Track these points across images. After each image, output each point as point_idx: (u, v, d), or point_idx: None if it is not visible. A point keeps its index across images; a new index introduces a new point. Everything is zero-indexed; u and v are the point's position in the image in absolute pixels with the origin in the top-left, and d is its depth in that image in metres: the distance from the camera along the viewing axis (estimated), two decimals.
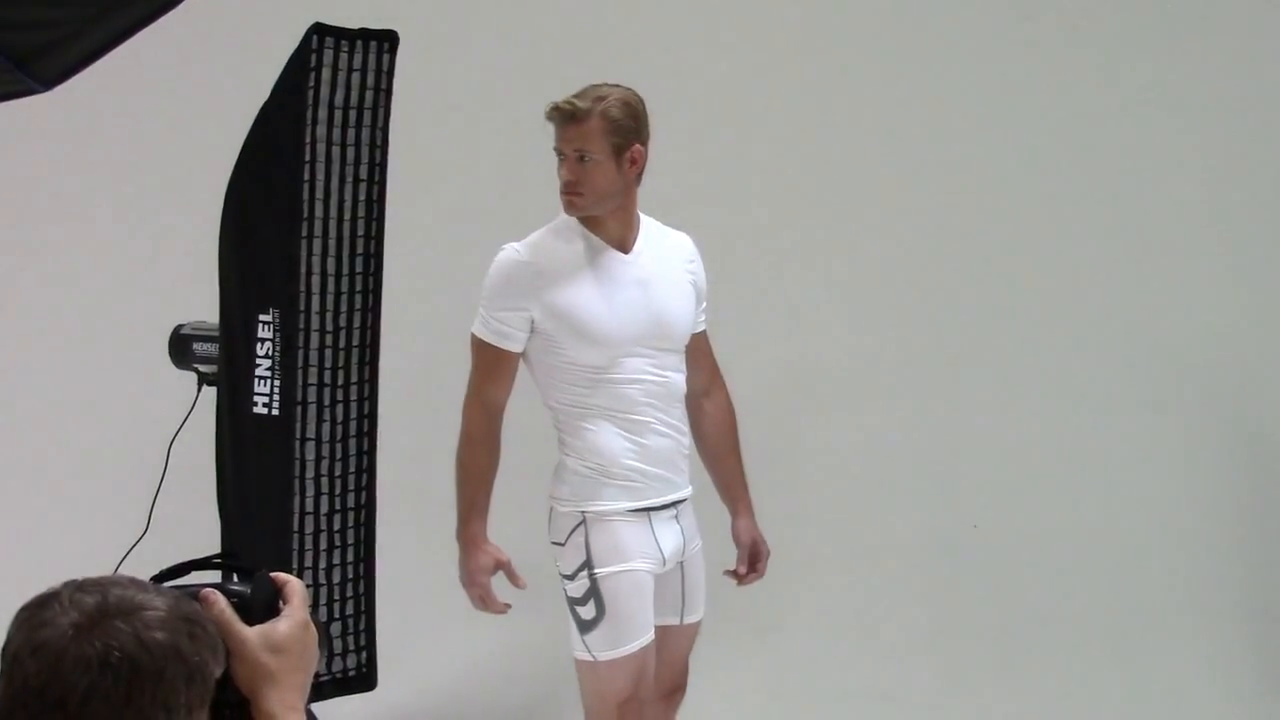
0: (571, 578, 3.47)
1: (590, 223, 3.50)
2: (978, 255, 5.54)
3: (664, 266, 3.56)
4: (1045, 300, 5.48)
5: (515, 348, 3.48)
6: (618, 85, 3.49)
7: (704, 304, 3.69)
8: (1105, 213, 5.48)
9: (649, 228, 3.59)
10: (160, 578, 1.73)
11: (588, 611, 3.43)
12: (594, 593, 3.42)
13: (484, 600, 3.53)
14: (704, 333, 3.72)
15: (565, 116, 3.42)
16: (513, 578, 3.55)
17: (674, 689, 3.74)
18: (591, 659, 3.45)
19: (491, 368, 3.49)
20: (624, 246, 3.52)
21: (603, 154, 3.41)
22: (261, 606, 1.77)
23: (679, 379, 3.57)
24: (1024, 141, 5.53)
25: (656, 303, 3.50)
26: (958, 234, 5.56)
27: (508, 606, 3.56)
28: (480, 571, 3.50)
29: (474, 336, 3.51)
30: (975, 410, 5.46)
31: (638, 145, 3.46)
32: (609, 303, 3.44)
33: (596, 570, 3.43)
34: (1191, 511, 5.27)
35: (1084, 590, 5.24)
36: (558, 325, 3.43)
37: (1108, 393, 5.40)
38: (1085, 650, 5.11)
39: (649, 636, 3.47)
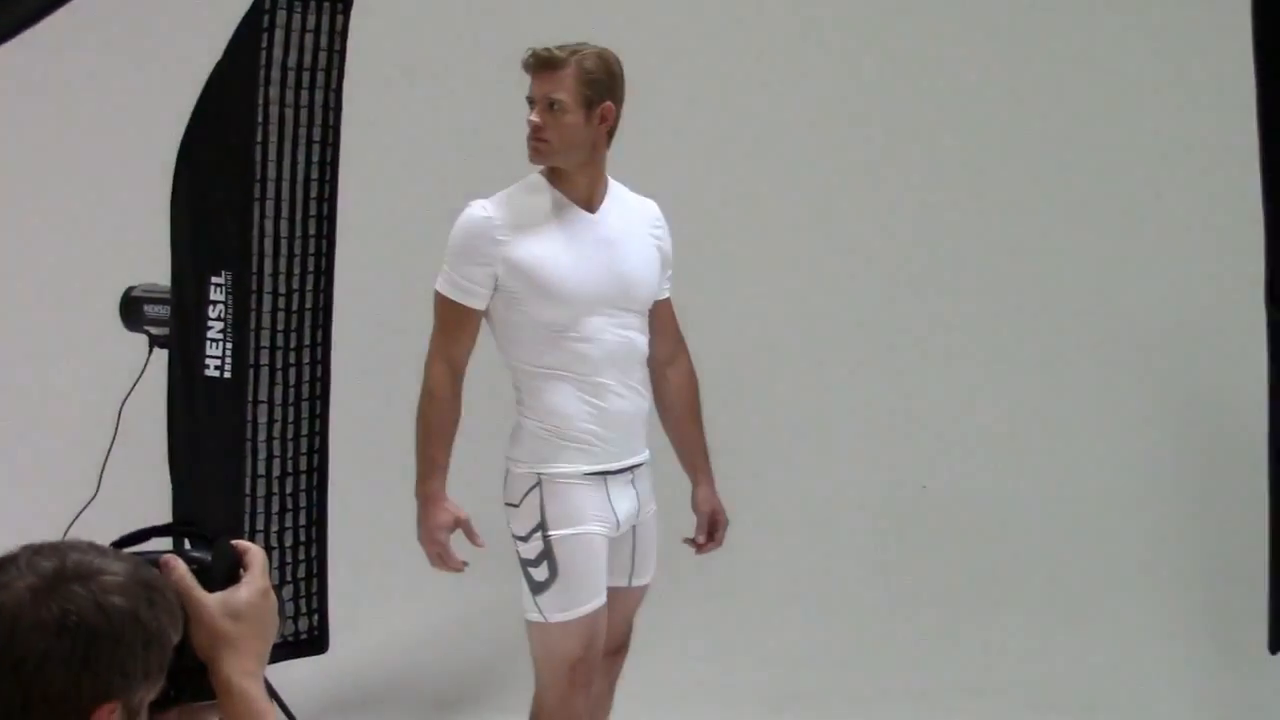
0: (525, 539, 3.44)
1: (558, 180, 3.48)
2: (932, 222, 5.54)
3: (630, 228, 3.55)
4: (996, 265, 5.49)
5: (479, 305, 3.45)
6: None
7: (669, 271, 3.67)
8: (1055, 180, 5.48)
9: (616, 190, 3.57)
10: (121, 543, 1.72)
11: (540, 573, 3.42)
12: (547, 555, 3.40)
13: (441, 558, 3.50)
14: (668, 300, 3.71)
15: (541, 63, 3.41)
16: (471, 536, 3.52)
17: (618, 648, 3.73)
18: (543, 620, 3.43)
19: (454, 325, 3.47)
20: (590, 205, 3.50)
21: (573, 104, 3.39)
22: (222, 574, 1.76)
23: (641, 340, 3.55)
24: (977, 112, 5.52)
25: (620, 262, 3.49)
26: (912, 201, 5.56)
27: (465, 564, 3.53)
28: (439, 528, 3.47)
29: (437, 293, 3.48)
30: (927, 374, 5.48)
31: (609, 103, 3.44)
32: (573, 260, 3.42)
33: (550, 532, 3.41)
34: (1142, 472, 5.30)
35: (1035, 550, 5.27)
36: (521, 281, 3.40)
37: (1058, 354, 5.42)
38: (1037, 610, 5.15)
39: (601, 599, 3.46)
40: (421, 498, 3.50)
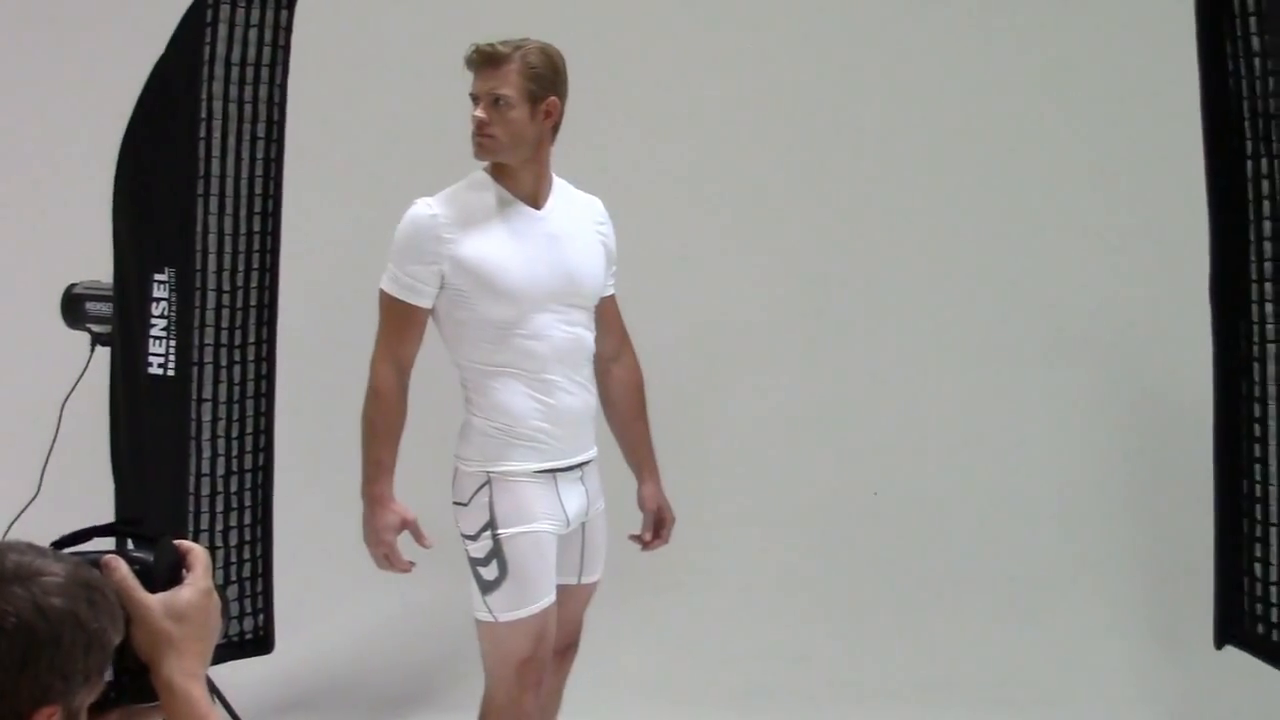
0: (474, 538, 3.43)
1: (502, 176, 3.48)
2: (878, 221, 5.55)
3: (576, 224, 3.55)
4: (945, 267, 5.50)
5: (425, 303, 3.43)
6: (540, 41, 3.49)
7: (614, 267, 3.67)
8: (1001, 181, 5.51)
9: (561, 187, 3.57)
10: (61, 544, 1.70)
11: (490, 572, 3.40)
12: (497, 553, 3.39)
13: (389, 559, 3.48)
14: (613, 297, 3.70)
15: (484, 58, 3.41)
16: (419, 536, 3.50)
17: (567, 647, 3.73)
18: (493, 620, 3.41)
19: (401, 324, 3.45)
20: (536, 201, 3.50)
21: (518, 99, 3.39)
22: (164, 574, 1.74)
23: (588, 337, 3.55)
24: (925, 112, 5.54)
25: (567, 258, 3.48)
26: (859, 200, 5.56)
27: (412, 565, 3.52)
28: (386, 530, 3.45)
29: (382, 292, 3.46)
30: (876, 375, 5.48)
31: (554, 98, 3.44)
32: (519, 256, 3.42)
33: (500, 531, 3.40)
34: (1089, 472, 5.34)
35: (983, 551, 5.29)
36: (467, 279, 3.39)
37: (1006, 356, 5.43)
38: (986, 609, 5.16)
39: (550, 598, 3.45)
40: (368, 499, 3.47)
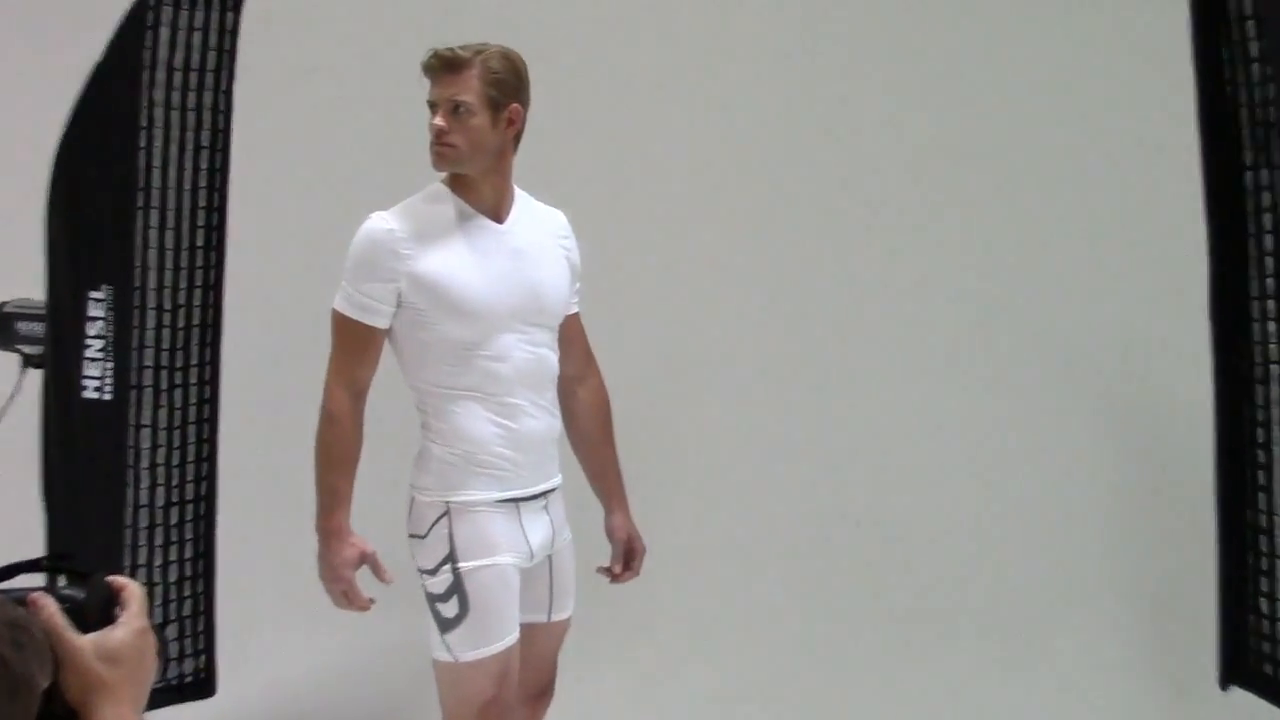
0: (433, 572, 3.42)
1: (462, 189, 3.48)
2: (859, 241, 5.55)
3: (539, 239, 3.56)
4: (925, 290, 5.51)
5: (381, 323, 3.44)
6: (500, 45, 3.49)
7: (578, 284, 3.70)
8: (987, 191, 5.52)
9: (524, 199, 3.59)
10: None
11: (450, 609, 3.40)
12: (457, 588, 3.39)
13: (347, 596, 3.47)
14: (577, 315, 3.73)
15: (443, 63, 3.41)
16: (378, 571, 3.49)
17: (541, 691, 3.73)
18: (452, 660, 3.41)
19: (356, 346, 3.45)
20: (498, 215, 3.51)
21: (479, 106, 3.40)
22: (96, 612, 1.72)
23: (552, 358, 3.56)
24: (906, 118, 5.55)
25: (531, 275, 3.50)
26: (839, 218, 5.56)
27: (372, 602, 3.51)
28: (344, 565, 3.44)
29: (335, 312, 3.47)
30: (854, 400, 5.49)
31: (516, 105, 3.46)
32: (481, 273, 3.42)
33: (461, 564, 3.40)
34: (1085, 502, 5.34)
35: (972, 585, 5.29)
36: (426, 297, 3.39)
37: (996, 379, 5.44)
38: (975, 647, 5.17)
39: (514, 636, 3.44)
40: (323, 532, 3.46)
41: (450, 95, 3.41)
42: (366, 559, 3.47)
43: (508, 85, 3.43)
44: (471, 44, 3.44)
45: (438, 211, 3.46)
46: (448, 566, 3.40)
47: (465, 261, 3.42)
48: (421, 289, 3.39)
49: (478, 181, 3.48)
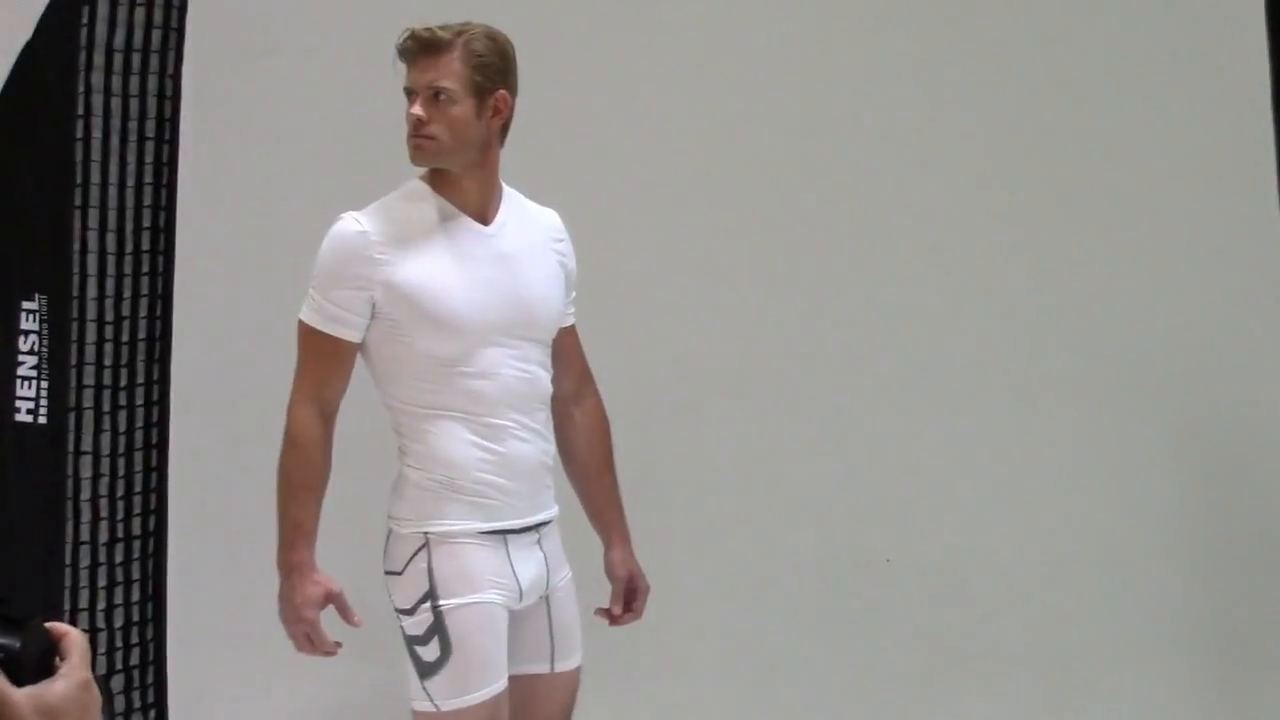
0: (410, 612, 3.40)
1: (444, 186, 3.47)
2: (885, 236, 5.52)
3: (530, 242, 3.55)
4: (963, 302, 5.49)
5: (353, 336, 3.43)
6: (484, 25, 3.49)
7: (573, 293, 3.69)
8: (1030, 188, 5.49)
9: (513, 198, 3.59)
10: None
11: (430, 652, 3.38)
12: (438, 629, 3.37)
13: (310, 639, 3.44)
14: (573, 327, 3.72)
15: (422, 45, 3.40)
16: (345, 613, 3.48)
17: None
18: (434, 709, 3.38)
19: (324, 360, 3.44)
20: (484, 216, 3.50)
21: (462, 93, 3.39)
22: (33, 663, 1.68)
23: (545, 376, 3.55)
24: (942, 128, 5.52)
25: (521, 284, 3.48)
26: (867, 223, 5.53)
27: (338, 646, 3.48)
28: (307, 605, 3.41)
29: (302, 324, 3.45)
30: (884, 423, 5.46)
31: (503, 91, 3.44)
32: (465, 281, 3.41)
33: (441, 602, 3.38)
34: (1134, 533, 5.33)
35: (1017, 629, 5.30)
36: (403, 308, 3.38)
37: (1039, 396, 5.43)
38: (1021, 698, 5.18)
39: (502, 683, 3.42)
40: (285, 568, 3.44)
41: (429, 81, 3.40)
42: (332, 598, 3.45)
43: (494, 69, 3.42)
44: (452, 24, 3.43)
45: (417, 211, 3.45)
46: (427, 605, 3.38)
47: (447, 268, 3.41)
48: (398, 298, 3.38)
49: (461, 178, 3.47)
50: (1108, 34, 5.47)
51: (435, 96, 3.39)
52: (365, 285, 3.38)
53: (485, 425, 3.43)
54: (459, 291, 3.40)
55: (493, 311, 3.42)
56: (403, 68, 3.45)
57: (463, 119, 3.40)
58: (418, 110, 3.40)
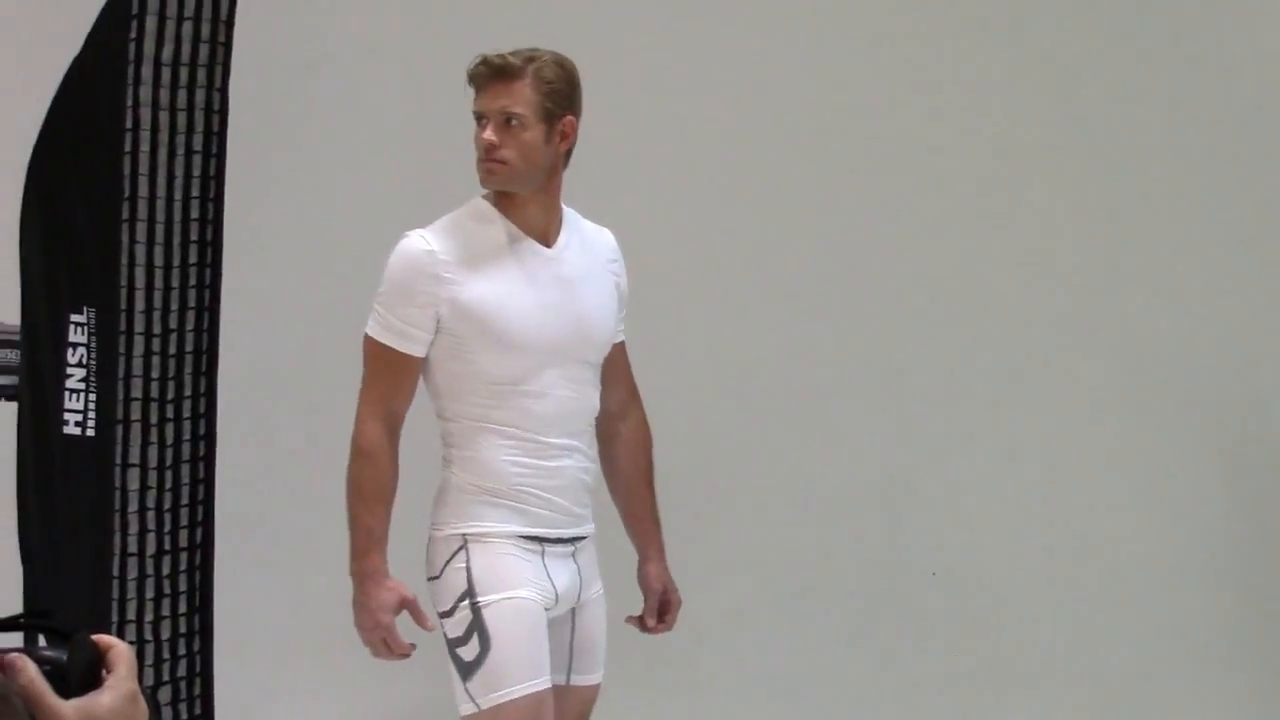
0: (450, 613, 3.46)
1: (509, 208, 3.54)
2: (935, 261, 5.51)
3: (588, 266, 3.63)
4: (1008, 313, 5.47)
5: (419, 351, 3.49)
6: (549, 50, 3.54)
7: (623, 311, 3.73)
8: (1084, 196, 5.48)
9: (572, 219, 3.64)
10: None
11: (469, 651, 3.42)
12: (476, 625, 3.42)
13: (387, 644, 3.49)
14: (623, 344, 3.76)
15: (494, 72, 3.46)
16: (419, 617, 3.52)
17: None
18: (476, 709, 3.41)
19: (390, 374, 3.49)
20: (546, 239, 3.56)
21: (532, 119, 3.46)
22: (80, 675, 1.69)
23: (594, 396, 3.62)
24: (982, 137, 5.51)
25: (581, 308, 3.57)
26: (912, 236, 5.52)
27: (413, 648, 3.53)
28: (382, 610, 3.47)
29: (368, 338, 3.51)
30: (929, 435, 5.44)
31: (570, 117, 3.52)
32: (530, 304, 3.48)
33: (479, 599, 3.43)
34: (1195, 547, 5.30)
35: (1067, 647, 5.27)
36: (469, 326, 3.44)
37: (1083, 413, 5.40)
38: (1066, 712, 5.10)
39: (544, 681, 3.45)
40: (359, 576, 3.49)
41: (502, 106, 3.47)
42: (406, 604, 3.50)
43: (562, 95, 3.50)
44: (522, 50, 3.51)
45: (483, 232, 3.53)
46: (465, 603, 3.45)
47: (513, 290, 3.49)
48: (464, 316, 3.46)
49: (526, 200, 3.54)
50: (1165, 43, 5.47)
51: (507, 122, 3.46)
52: (431, 302, 3.45)
53: (534, 442, 3.50)
54: (524, 313, 3.47)
55: (554, 334, 3.50)
56: (469, 90, 3.50)
57: (533, 144, 3.46)
58: (490, 135, 3.47)
